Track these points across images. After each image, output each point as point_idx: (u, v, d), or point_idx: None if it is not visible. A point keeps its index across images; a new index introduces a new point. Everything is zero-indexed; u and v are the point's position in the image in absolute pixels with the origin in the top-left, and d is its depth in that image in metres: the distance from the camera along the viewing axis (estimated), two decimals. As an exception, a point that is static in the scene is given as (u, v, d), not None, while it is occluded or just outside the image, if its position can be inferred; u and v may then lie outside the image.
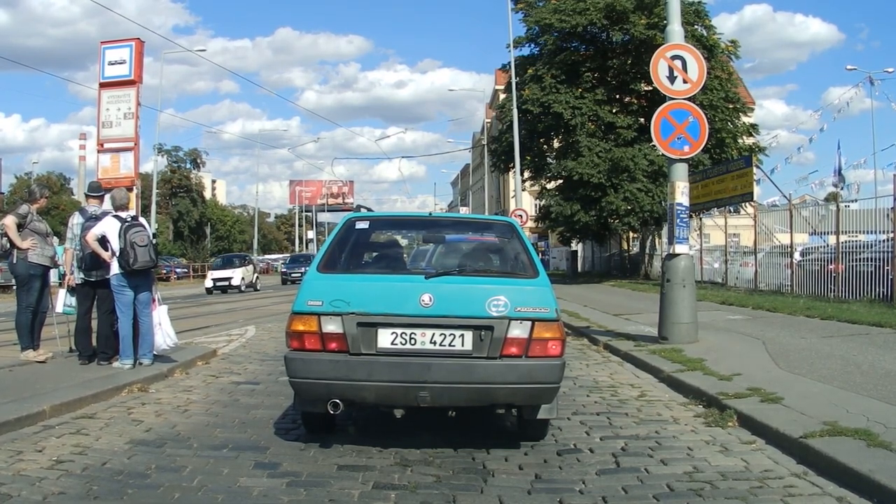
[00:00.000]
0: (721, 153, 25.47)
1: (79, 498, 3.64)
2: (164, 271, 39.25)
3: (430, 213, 7.35)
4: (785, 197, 18.23)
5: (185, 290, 32.45)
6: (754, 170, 18.56)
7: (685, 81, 8.61)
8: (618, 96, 28.30)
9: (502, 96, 37.99)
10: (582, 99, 26.57)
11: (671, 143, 8.63)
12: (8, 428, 4.83)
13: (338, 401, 4.25)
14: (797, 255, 16.41)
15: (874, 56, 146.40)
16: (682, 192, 8.71)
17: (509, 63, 28.18)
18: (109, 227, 6.98)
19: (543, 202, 30.77)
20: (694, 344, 8.36)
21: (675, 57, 8.64)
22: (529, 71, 28.51)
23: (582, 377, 7.27)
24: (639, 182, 25.04)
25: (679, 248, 8.67)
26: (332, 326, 4.27)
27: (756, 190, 19.13)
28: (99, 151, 10.87)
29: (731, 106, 26.71)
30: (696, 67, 8.63)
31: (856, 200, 22.71)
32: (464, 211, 74.49)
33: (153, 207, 35.32)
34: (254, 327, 12.60)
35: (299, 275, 35.24)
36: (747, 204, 19.23)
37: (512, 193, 34.22)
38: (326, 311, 4.28)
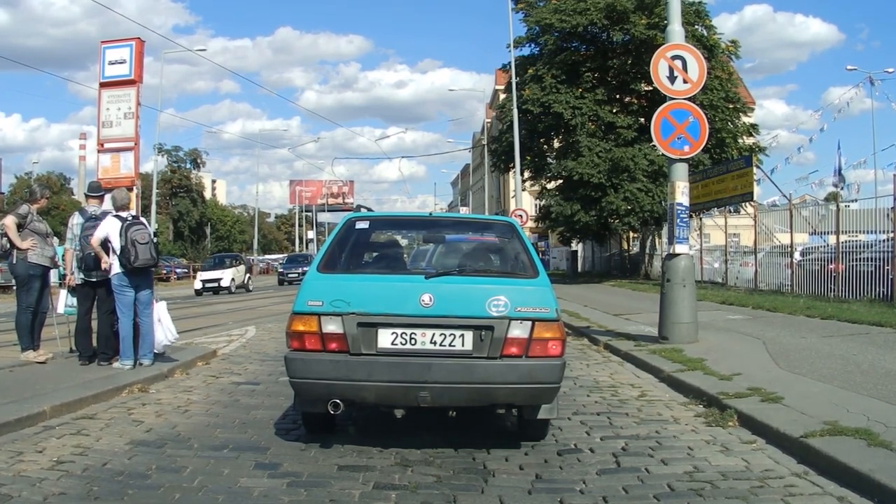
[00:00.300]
0: (721, 153, 25.46)
1: (79, 498, 3.64)
2: (165, 271, 39.16)
3: (431, 213, 7.35)
4: (785, 197, 18.23)
5: (186, 290, 32.31)
6: (754, 170, 18.57)
7: (685, 81, 8.62)
8: (618, 96, 28.29)
9: (502, 96, 38.02)
10: (582, 99, 26.57)
11: (671, 143, 8.64)
12: (8, 428, 4.83)
13: (338, 401, 4.26)
14: (797, 255, 16.41)
15: (874, 56, 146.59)
16: (682, 192, 8.71)
17: (509, 63, 28.17)
18: (111, 228, 6.98)
19: (543, 202, 30.77)
20: (694, 344, 8.36)
21: (675, 57, 8.64)
22: (529, 71, 28.50)
23: (582, 377, 7.28)
24: (639, 182, 25.04)
25: (679, 248, 8.68)
26: (332, 326, 4.27)
27: (756, 190, 19.16)
28: (99, 151, 10.88)
29: (731, 106, 26.70)
30: (697, 67, 8.64)
31: (856, 200, 22.79)
32: (464, 211, 74.51)
33: (153, 207, 35.27)
34: (254, 327, 12.59)
35: (296, 275, 34.97)
36: (747, 204, 19.24)
37: (512, 193, 34.24)
38: (327, 312, 4.29)
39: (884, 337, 8.43)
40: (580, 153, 25.76)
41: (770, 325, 10.28)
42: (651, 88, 23.25)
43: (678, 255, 8.67)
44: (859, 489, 3.61)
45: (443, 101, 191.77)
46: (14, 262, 7.26)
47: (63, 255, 7.70)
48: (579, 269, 37.79)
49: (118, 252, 6.91)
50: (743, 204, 19.34)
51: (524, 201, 28.14)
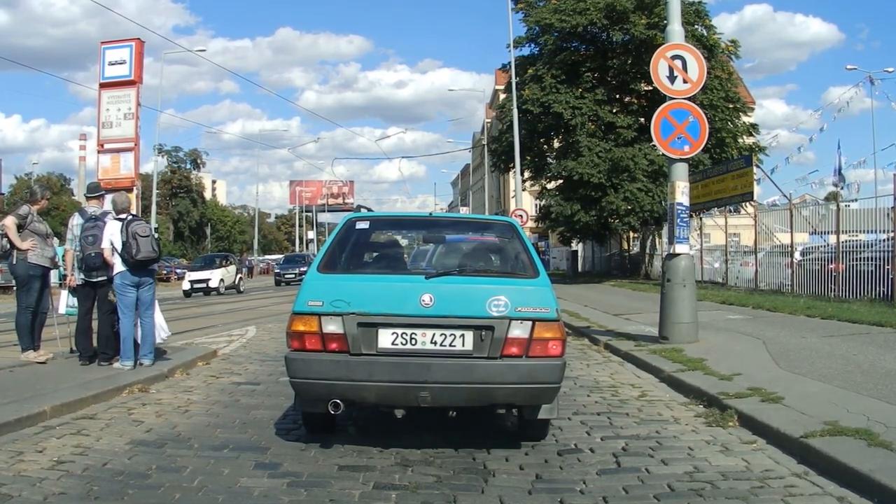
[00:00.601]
0: (721, 153, 25.46)
1: (79, 498, 3.64)
2: (165, 272, 39.12)
3: (431, 213, 7.36)
4: (785, 196, 18.23)
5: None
6: (754, 169, 18.56)
7: (685, 81, 8.62)
8: (618, 96, 28.30)
9: (502, 96, 37.99)
10: (582, 99, 26.56)
11: (671, 142, 8.64)
12: (8, 428, 4.84)
13: (338, 401, 4.26)
14: (797, 255, 16.41)
15: (874, 56, 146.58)
16: (682, 192, 8.72)
17: (509, 63, 28.16)
18: (114, 231, 6.99)
19: (543, 202, 30.75)
20: (694, 344, 8.36)
21: (675, 57, 8.64)
22: (529, 71, 28.50)
23: (582, 377, 7.27)
24: (639, 182, 25.04)
25: (679, 248, 8.68)
26: (332, 327, 4.28)
27: (756, 189, 19.16)
28: (99, 152, 10.90)
29: (731, 106, 26.70)
30: (697, 67, 8.64)
31: (856, 200, 22.76)
32: (464, 211, 74.49)
33: (153, 208, 35.23)
34: (254, 327, 12.60)
35: (293, 276, 34.69)
36: (747, 203, 19.24)
37: (512, 193, 34.22)
38: (327, 312, 4.29)
39: (884, 337, 8.43)
40: (580, 153, 25.76)
41: (770, 324, 10.28)
42: (651, 88, 23.24)
43: (678, 254, 8.67)
44: (859, 489, 3.61)
45: (443, 101, 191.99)
46: (14, 262, 7.27)
47: (63, 256, 7.71)
48: (579, 269, 37.75)
49: (119, 249, 6.92)
50: (743, 204, 19.34)
51: (524, 201, 28.13)
